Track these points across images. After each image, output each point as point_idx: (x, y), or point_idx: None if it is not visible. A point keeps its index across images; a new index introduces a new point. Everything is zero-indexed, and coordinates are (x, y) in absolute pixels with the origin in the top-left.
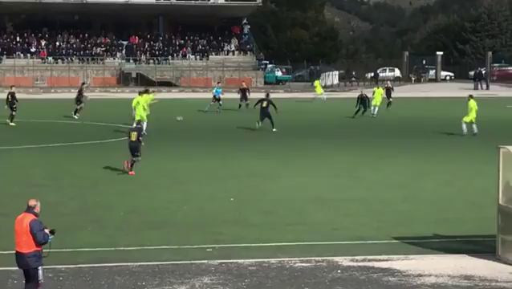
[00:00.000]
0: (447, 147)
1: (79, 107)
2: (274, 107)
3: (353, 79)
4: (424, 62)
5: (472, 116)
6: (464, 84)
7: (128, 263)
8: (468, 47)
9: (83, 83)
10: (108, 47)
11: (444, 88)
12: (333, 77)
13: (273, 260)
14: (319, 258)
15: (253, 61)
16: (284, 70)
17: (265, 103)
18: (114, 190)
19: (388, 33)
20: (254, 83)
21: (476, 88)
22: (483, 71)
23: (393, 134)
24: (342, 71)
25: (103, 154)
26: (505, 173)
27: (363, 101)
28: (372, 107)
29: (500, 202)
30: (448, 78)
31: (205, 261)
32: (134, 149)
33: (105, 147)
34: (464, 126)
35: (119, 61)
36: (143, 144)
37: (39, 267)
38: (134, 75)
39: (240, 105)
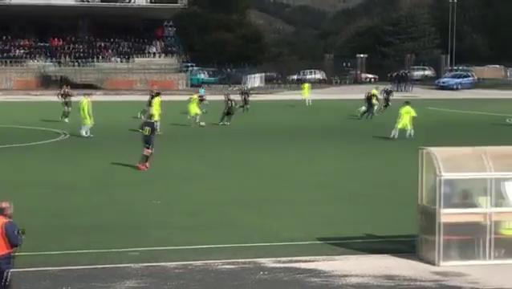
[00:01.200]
0: (373, 148)
1: (67, 110)
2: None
3: (279, 81)
4: (346, 64)
5: (403, 122)
6: (386, 86)
7: (52, 268)
8: (389, 49)
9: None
10: (30, 49)
11: (367, 90)
12: (257, 79)
13: (198, 262)
14: (244, 260)
15: (177, 63)
16: (209, 72)
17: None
18: (36, 194)
19: (311, 35)
20: (178, 86)
21: (396, 90)
22: (404, 73)
23: (319, 135)
24: (267, 73)
25: (24, 157)
26: (426, 174)
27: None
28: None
29: (421, 202)
30: (370, 80)
31: (130, 264)
32: (147, 142)
33: (26, 150)
34: (393, 131)
35: (42, 63)
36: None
37: (9, 270)
38: (55, 78)
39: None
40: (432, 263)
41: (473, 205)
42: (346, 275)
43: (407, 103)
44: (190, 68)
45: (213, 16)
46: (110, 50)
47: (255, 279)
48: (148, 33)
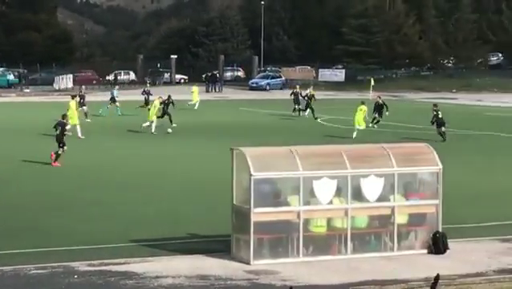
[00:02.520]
0: (180, 148)
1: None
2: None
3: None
4: (158, 65)
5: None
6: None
7: None
8: (201, 51)
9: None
10: None
11: (179, 91)
12: (67, 80)
13: (7, 268)
14: (55, 264)
15: None
16: (16, 73)
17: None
18: None
19: (122, 36)
20: None
21: (208, 91)
22: (215, 74)
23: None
24: (76, 74)
25: None
26: (238, 174)
27: (380, 108)
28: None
29: (234, 202)
30: (182, 81)
31: None
32: (58, 141)
33: None
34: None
35: None
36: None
37: None
38: None
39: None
40: (246, 262)
41: (285, 204)
42: (159, 277)
43: (362, 103)
44: None
45: (20, 16)
46: None
47: (67, 283)
48: None
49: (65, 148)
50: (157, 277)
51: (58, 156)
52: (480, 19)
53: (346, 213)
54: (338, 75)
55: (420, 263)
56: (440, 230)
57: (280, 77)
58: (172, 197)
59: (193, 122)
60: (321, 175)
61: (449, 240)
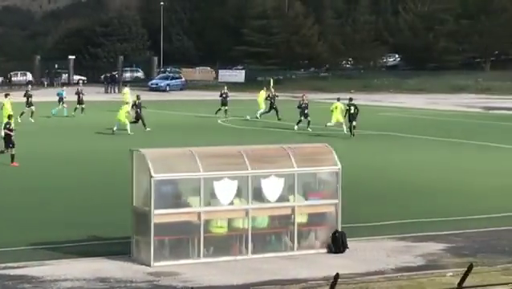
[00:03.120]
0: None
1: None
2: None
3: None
4: (56, 66)
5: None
6: (95, 88)
7: None
8: (100, 51)
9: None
10: None
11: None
12: None
13: None
14: None
15: None
16: None
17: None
18: None
19: (18, 36)
20: None
21: (107, 92)
22: (114, 75)
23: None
24: None
25: None
26: (138, 175)
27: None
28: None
29: (134, 204)
30: (80, 82)
31: None
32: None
33: None
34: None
35: None
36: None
37: None
38: None
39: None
40: (146, 264)
41: (185, 205)
42: (57, 280)
43: (338, 100)
44: None
45: None
46: None
47: None
48: None
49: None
50: (56, 280)
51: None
52: (377, 21)
53: (246, 214)
54: (238, 75)
55: (319, 262)
56: (340, 230)
57: (180, 78)
58: (71, 199)
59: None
60: (221, 176)
61: (348, 239)
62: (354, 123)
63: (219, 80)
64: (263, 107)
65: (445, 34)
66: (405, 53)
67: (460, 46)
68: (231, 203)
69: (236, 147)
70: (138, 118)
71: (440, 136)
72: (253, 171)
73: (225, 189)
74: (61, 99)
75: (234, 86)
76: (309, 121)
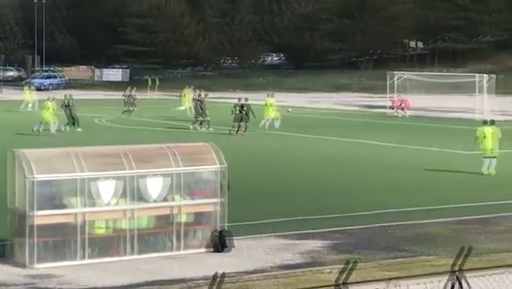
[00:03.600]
0: None
1: None
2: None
3: None
4: None
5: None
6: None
7: None
8: None
9: None
10: None
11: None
12: None
13: None
14: None
15: None
16: None
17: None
18: None
19: None
20: None
21: None
22: None
23: None
24: None
25: None
26: (15, 176)
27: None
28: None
29: (11, 205)
30: None
31: None
32: None
33: None
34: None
35: None
36: None
37: None
38: None
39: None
40: (24, 266)
41: (66, 206)
42: None
43: (269, 95)
44: None
45: None
46: None
47: None
48: None
49: None
50: None
51: None
52: (260, 20)
53: (129, 214)
54: (118, 74)
55: (202, 262)
56: (223, 228)
57: (63, 77)
58: None
59: None
60: (104, 176)
61: (231, 238)
62: (242, 123)
63: (100, 79)
64: (186, 106)
65: (327, 33)
66: (288, 52)
67: (341, 45)
68: (114, 203)
69: (118, 147)
70: (73, 118)
71: (320, 134)
72: (136, 171)
73: (108, 190)
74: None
75: (116, 85)
76: (208, 121)
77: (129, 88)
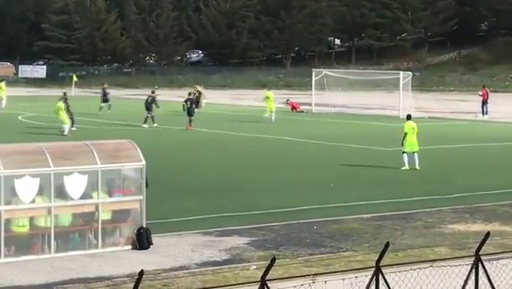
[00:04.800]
0: None
1: None
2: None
3: None
4: None
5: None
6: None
7: None
8: None
9: None
10: None
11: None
12: None
13: None
14: None
15: None
16: None
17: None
18: None
19: None
20: None
21: None
22: None
23: None
24: None
25: None
26: None
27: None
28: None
29: None
30: None
31: None
32: None
33: None
34: None
35: None
36: None
37: None
38: None
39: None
40: None
41: None
42: None
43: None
44: None
45: None
46: None
47: None
48: None
49: None
50: None
51: None
52: (180, 17)
53: (49, 212)
54: (39, 71)
55: (124, 259)
56: (145, 226)
57: None
58: None
59: None
60: (23, 173)
61: (153, 235)
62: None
63: (19, 76)
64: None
65: (247, 30)
66: (209, 49)
67: (261, 42)
68: (33, 201)
69: (37, 143)
70: (71, 115)
71: (242, 131)
72: (56, 168)
73: (27, 187)
74: None
75: (36, 82)
76: (153, 116)
77: (105, 84)
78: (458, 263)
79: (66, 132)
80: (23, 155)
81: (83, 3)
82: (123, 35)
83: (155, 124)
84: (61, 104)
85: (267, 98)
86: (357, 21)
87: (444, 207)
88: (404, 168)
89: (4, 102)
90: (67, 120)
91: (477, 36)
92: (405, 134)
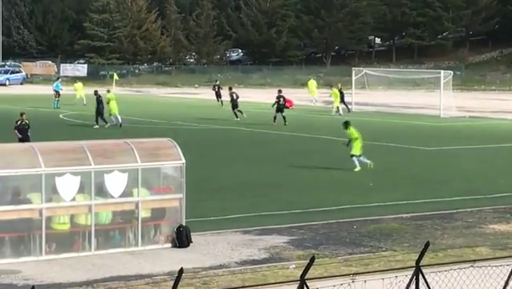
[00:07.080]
0: None
1: None
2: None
3: None
4: None
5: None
6: None
7: None
8: None
9: None
10: None
11: None
12: None
13: None
14: None
15: None
16: None
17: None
18: None
19: None
20: None
21: None
22: None
23: None
24: None
25: None
26: None
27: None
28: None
29: None
30: None
31: None
32: None
33: None
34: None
35: None
36: None
37: None
38: None
39: None
40: None
41: (26, 202)
42: None
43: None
44: None
45: None
46: None
47: None
48: None
49: None
50: None
51: None
52: (220, 16)
53: (89, 210)
54: (80, 69)
55: (164, 257)
56: (184, 224)
57: (20, 72)
58: None
59: None
60: (64, 171)
61: (192, 233)
62: (283, 113)
63: (61, 74)
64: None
65: (287, 29)
66: (248, 48)
67: (301, 41)
68: (74, 199)
69: (78, 142)
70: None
71: (283, 130)
72: (96, 166)
73: (68, 185)
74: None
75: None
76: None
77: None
78: (499, 264)
79: (119, 122)
80: (64, 153)
81: (124, 2)
82: (164, 34)
83: (244, 115)
84: (112, 95)
85: (334, 94)
86: (397, 19)
87: (485, 207)
88: (357, 169)
89: (84, 100)
90: (117, 111)
91: None
92: (356, 138)
